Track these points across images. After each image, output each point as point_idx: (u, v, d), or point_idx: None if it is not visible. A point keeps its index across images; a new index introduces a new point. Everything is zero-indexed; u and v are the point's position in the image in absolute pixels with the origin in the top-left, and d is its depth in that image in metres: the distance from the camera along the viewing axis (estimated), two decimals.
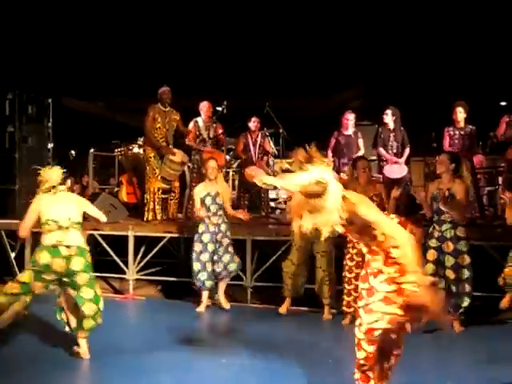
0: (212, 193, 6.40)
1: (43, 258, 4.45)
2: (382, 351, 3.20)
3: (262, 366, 4.60)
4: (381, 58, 11.26)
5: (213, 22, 12.23)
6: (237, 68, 12.72)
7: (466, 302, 5.38)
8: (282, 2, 11.97)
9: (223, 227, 6.45)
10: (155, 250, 7.29)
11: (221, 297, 6.54)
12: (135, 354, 4.60)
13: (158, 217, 7.83)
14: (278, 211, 9.20)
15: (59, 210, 4.52)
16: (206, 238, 6.38)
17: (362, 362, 3.19)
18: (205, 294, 6.47)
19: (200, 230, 6.40)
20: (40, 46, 11.88)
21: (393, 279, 3.05)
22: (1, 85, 8.62)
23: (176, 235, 7.41)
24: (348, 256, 5.80)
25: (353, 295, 5.73)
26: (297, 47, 12.46)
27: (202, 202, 6.40)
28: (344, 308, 5.84)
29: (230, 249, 6.46)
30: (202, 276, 6.36)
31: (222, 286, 6.54)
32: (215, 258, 6.42)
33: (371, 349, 3.13)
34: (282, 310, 6.28)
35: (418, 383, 4.09)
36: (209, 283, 6.40)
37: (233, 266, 6.47)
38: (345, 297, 5.83)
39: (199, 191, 6.45)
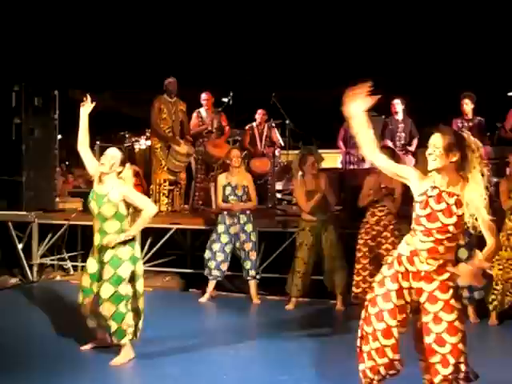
0: (233, 183, 6.32)
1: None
2: None
3: (271, 357, 4.62)
4: (387, 48, 11.20)
5: (220, 13, 12.18)
6: (243, 59, 12.67)
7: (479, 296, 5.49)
8: None
9: (243, 219, 6.35)
10: (162, 241, 7.29)
11: (252, 293, 6.47)
12: (139, 346, 4.58)
13: (164, 208, 7.84)
14: (284, 202, 9.17)
15: None
16: (220, 228, 6.35)
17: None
18: (211, 284, 6.45)
19: (217, 220, 6.39)
20: (46, 38, 11.86)
21: None
22: (7, 77, 8.61)
23: (182, 227, 7.41)
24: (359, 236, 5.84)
25: (362, 275, 5.74)
26: (304, 38, 12.40)
27: (223, 191, 6.34)
28: (353, 289, 5.82)
29: (250, 246, 6.35)
30: (211, 265, 6.34)
31: (252, 285, 6.46)
32: (242, 255, 6.36)
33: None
34: (290, 307, 6.16)
35: None
36: (216, 273, 6.36)
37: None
38: (354, 277, 5.81)
39: (221, 180, 6.37)
